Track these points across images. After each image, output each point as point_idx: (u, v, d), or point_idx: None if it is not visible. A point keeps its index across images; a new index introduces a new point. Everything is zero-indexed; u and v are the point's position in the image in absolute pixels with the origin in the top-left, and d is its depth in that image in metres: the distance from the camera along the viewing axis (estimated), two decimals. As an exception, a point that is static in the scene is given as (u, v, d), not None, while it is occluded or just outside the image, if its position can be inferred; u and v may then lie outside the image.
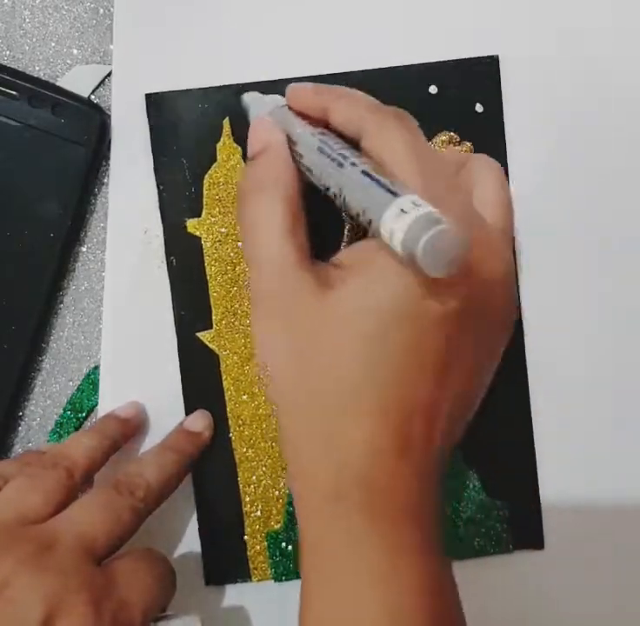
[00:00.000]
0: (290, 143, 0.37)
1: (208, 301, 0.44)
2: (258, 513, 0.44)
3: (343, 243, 0.41)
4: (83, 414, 0.45)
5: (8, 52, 0.45)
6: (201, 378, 0.44)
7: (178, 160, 0.44)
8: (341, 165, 0.34)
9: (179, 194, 0.44)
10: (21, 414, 0.45)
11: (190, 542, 0.44)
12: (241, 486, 0.44)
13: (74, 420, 0.45)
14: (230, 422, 0.44)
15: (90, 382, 0.45)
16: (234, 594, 0.45)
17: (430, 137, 0.44)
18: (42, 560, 0.34)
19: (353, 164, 0.34)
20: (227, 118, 0.44)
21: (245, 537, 0.44)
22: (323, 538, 0.34)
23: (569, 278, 0.45)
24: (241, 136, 0.44)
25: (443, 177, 0.35)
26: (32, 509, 0.36)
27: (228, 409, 0.44)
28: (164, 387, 0.44)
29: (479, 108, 0.44)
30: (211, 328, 0.44)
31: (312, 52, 0.44)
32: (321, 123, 0.37)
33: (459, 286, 0.33)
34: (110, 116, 0.44)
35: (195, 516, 0.44)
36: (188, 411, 0.44)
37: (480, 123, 0.44)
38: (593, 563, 0.44)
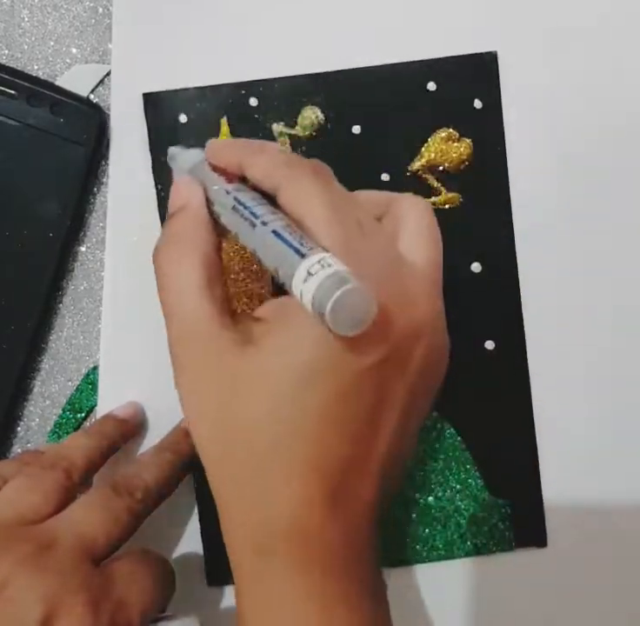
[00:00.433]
0: (208, 201, 0.37)
1: (207, 301, 0.44)
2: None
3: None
4: (83, 414, 0.45)
5: (7, 51, 0.45)
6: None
7: (177, 159, 0.44)
8: (253, 226, 0.34)
9: (178, 193, 0.44)
10: (20, 414, 0.45)
11: (191, 542, 0.44)
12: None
13: (73, 420, 0.45)
14: (230, 422, 0.44)
15: (89, 383, 0.45)
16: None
17: (428, 134, 0.44)
18: (41, 560, 0.34)
19: (264, 223, 0.34)
20: (224, 117, 0.44)
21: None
22: (254, 589, 0.33)
23: (568, 275, 0.45)
24: (239, 135, 0.44)
25: (361, 227, 0.35)
26: (31, 509, 0.36)
27: (228, 409, 0.44)
28: (163, 387, 0.44)
29: (478, 104, 0.44)
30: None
31: (310, 50, 0.44)
32: (239, 178, 0.37)
33: (378, 339, 0.32)
34: (109, 116, 0.44)
35: (196, 517, 0.44)
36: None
37: (479, 119, 0.44)
38: (595, 561, 0.44)
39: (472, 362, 0.44)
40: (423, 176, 0.44)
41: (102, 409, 0.44)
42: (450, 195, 0.44)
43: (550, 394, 0.44)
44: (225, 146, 0.38)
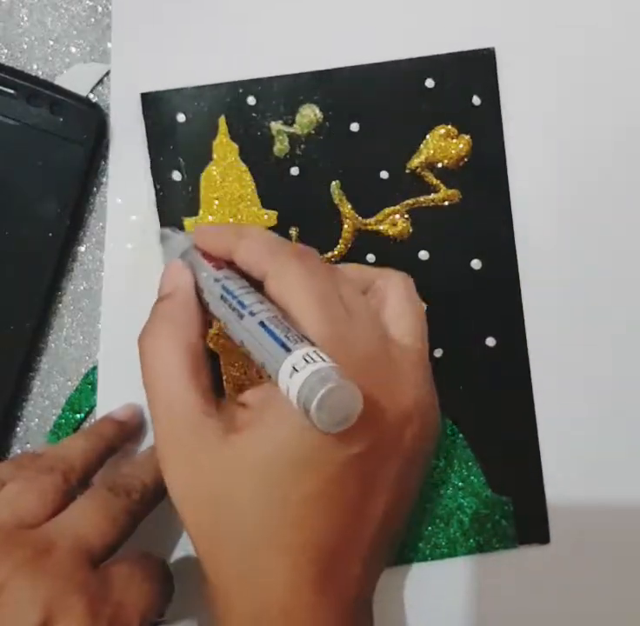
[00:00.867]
0: (197, 288, 0.37)
1: (207, 301, 0.44)
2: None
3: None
4: (82, 414, 0.45)
5: (6, 51, 0.45)
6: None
7: (175, 159, 0.44)
8: (241, 316, 0.34)
9: (176, 193, 0.44)
10: (19, 414, 0.45)
11: (190, 544, 0.44)
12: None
13: (72, 420, 0.45)
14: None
15: (89, 383, 0.45)
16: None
17: (427, 131, 0.44)
18: (39, 564, 0.34)
19: (251, 314, 0.34)
20: (223, 116, 0.44)
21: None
22: None
23: (569, 270, 0.45)
24: (237, 135, 0.44)
25: (346, 309, 0.35)
26: (30, 512, 0.36)
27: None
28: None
29: (476, 100, 0.44)
30: (211, 327, 0.44)
31: (308, 48, 0.44)
32: (226, 263, 0.37)
33: (363, 429, 0.32)
34: (108, 115, 0.44)
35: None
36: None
37: (477, 115, 0.44)
38: (599, 558, 0.44)
39: (473, 359, 0.44)
40: (422, 173, 0.44)
41: (101, 410, 0.44)
42: (449, 192, 0.44)
43: (551, 390, 0.44)
44: (213, 232, 0.39)
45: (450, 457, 0.44)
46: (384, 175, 0.44)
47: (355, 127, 0.44)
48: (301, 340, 0.32)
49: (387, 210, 0.44)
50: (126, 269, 0.44)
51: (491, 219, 0.44)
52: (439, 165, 0.44)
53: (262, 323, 0.33)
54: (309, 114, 0.44)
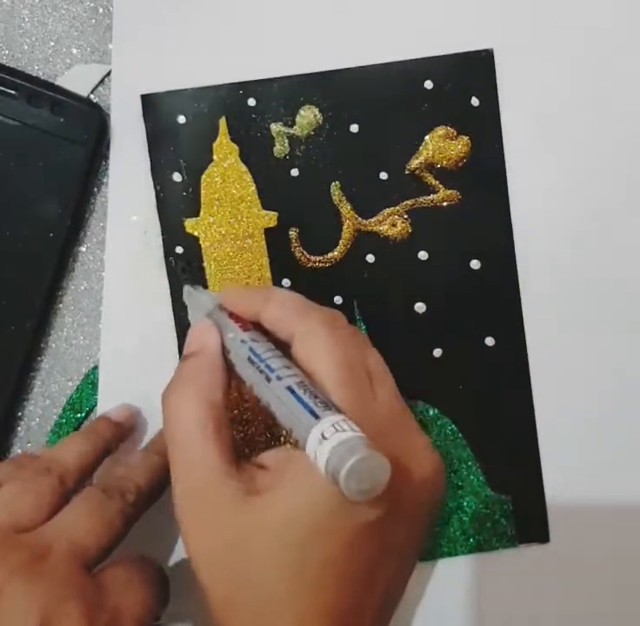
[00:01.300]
0: (224, 349, 0.37)
1: (207, 301, 0.44)
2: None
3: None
4: (83, 414, 0.45)
5: (7, 51, 0.45)
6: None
7: (175, 160, 0.44)
8: (268, 379, 0.34)
9: (177, 194, 0.44)
10: (20, 414, 0.45)
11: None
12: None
13: (73, 420, 0.45)
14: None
15: (90, 383, 0.45)
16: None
17: (426, 132, 0.44)
18: (35, 569, 0.34)
19: (279, 378, 0.34)
20: (223, 117, 0.44)
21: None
22: None
23: (568, 270, 0.45)
24: (237, 136, 0.44)
25: (371, 379, 0.36)
26: (26, 515, 0.36)
27: (228, 409, 0.44)
28: (163, 387, 0.44)
29: (475, 101, 0.44)
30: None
31: (307, 50, 0.45)
32: (254, 323, 0.38)
33: (384, 495, 0.32)
34: (109, 116, 0.44)
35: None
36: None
37: (476, 116, 0.44)
38: (598, 557, 0.44)
39: (472, 359, 0.44)
40: (422, 173, 0.44)
41: (102, 410, 0.44)
42: (449, 192, 0.44)
43: (550, 389, 0.44)
44: (240, 293, 0.39)
45: (450, 457, 0.44)
46: (384, 176, 0.44)
47: (354, 128, 0.44)
48: (329, 407, 0.32)
49: (387, 211, 0.44)
50: (127, 269, 0.44)
51: (490, 220, 0.45)
52: (438, 166, 0.44)
53: (290, 388, 0.34)
54: (309, 115, 0.44)
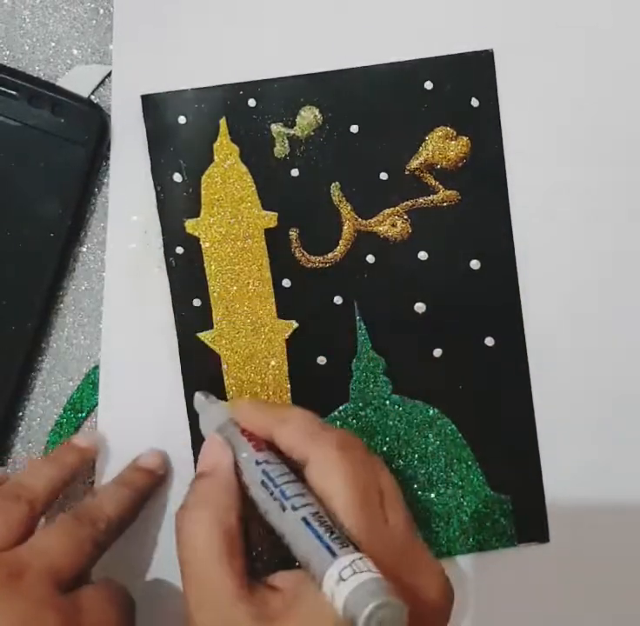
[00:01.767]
0: (237, 468, 0.37)
1: (208, 301, 0.44)
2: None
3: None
4: (83, 414, 0.45)
5: (8, 52, 0.45)
6: (202, 379, 0.44)
7: (176, 161, 0.44)
8: (283, 508, 0.34)
9: (177, 194, 0.44)
10: (21, 414, 0.45)
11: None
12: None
13: (74, 420, 0.45)
14: (231, 422, 0.44)
15: (90, 383, 0.45)
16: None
17: (426, 133, 0.44)
18: (12, 587, 0.34)
19: (294, 508, 0.34)
20: (223, 118, 0.44)
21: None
22: None
23: (567, 271, 0.45)
24: (238, 136, 0.44)
25: (383, 503, 0.36)
26: (1, 536, 0.37)
27: (229, 409, 0.44)
28: (165, 387, 0.44)
29: (475, 102, 0.44)
30: (212, 328, 0.44)
31: (307, 50, 0.45)
32: (266, 441, 0.38)
33: None
34: (109, 116, 0.44)
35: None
36: (189, 412, 0.44)
37: (476, 117, 0.44)
38: (598, 556, 0.44)
39: (472, 359, 0.44)
40: (422, 174, 0.44)
41: (102, 409, 0.44)
42: (448, 193, 0.44)
43: (550, 389, 0.44)
44: (253, 410, 0.39)
45: (450, 456, 0.44)
46: (384, 176, 0.45)
47: (354, 129, 0.44)
48: (345, 544, 0.32)
49: (387, 211, 0.44)
50: (127, 269, 0.45)
51: (490, 220, 0.45)
52: (438, 166, 0.44)
53: (305, 520, 0.33)
54: (309, 116, 0.44)
